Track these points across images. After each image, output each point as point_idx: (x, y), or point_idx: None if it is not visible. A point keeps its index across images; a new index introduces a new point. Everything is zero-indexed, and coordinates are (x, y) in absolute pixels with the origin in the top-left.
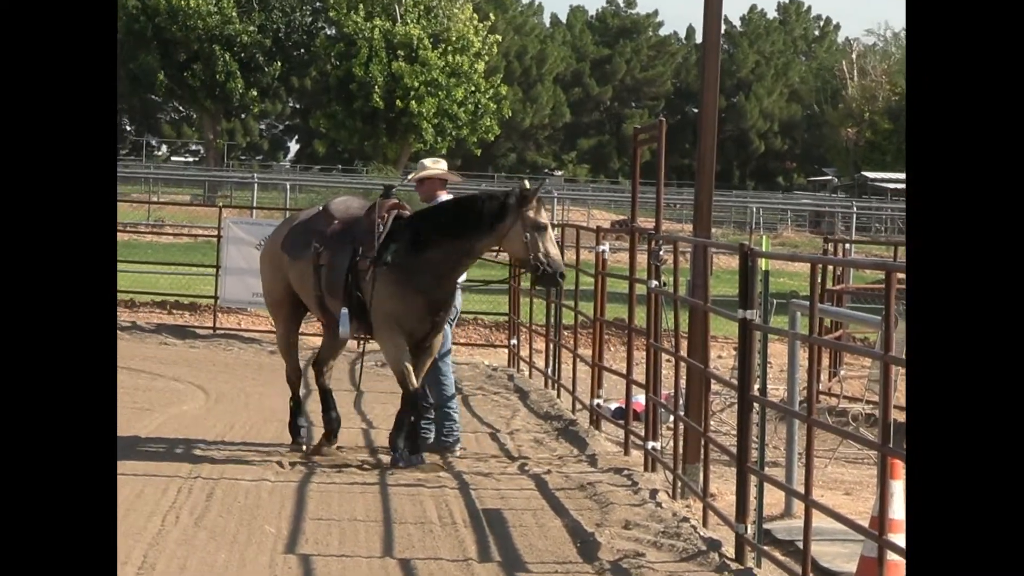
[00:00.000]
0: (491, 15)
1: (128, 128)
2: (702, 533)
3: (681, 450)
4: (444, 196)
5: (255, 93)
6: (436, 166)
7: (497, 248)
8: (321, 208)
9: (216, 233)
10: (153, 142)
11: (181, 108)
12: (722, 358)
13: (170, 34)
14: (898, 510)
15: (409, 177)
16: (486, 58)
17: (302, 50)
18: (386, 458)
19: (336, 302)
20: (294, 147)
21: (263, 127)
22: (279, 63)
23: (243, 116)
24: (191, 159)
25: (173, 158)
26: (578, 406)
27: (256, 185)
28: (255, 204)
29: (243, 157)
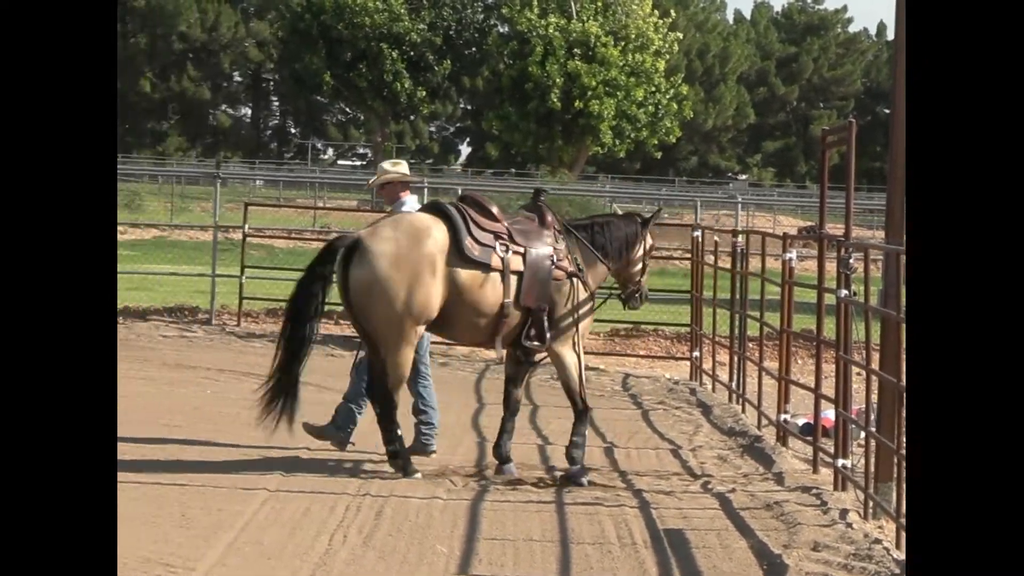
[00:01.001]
0: (671, 12)
1: (293, 131)
2: (895, 556)
3: (873, 468)
4: (408, 197)
5: (424, 94)
6: (397, 168)
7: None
8: (477, 209)
9: None
10: (319, 145)
11: (348, 110)
12: None
13: (336, 32)
14: None
15: (370, 181)
16: (666, 56)
17: (473, 49)
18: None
19: (518, 311)
20: (465, 150)
21: (432, 129)
22: (449, 62)
23: (412, 118)
24: (358, 163)
25: (340, 162)
26: (764, 422)
27: (426, 190)
28: None
29: (412, 160)
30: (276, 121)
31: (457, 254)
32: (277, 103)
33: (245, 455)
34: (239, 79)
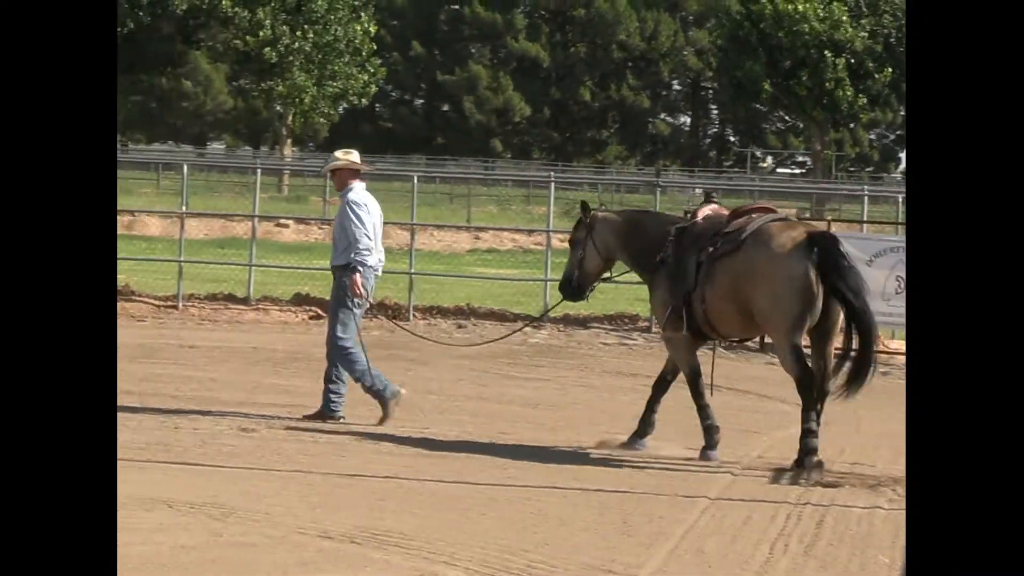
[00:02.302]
0: None
1: (732, 139)
2: None
3: None
4: (356, 184)
5: (864, 101)
6: (347, 157)
7: None
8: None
9: None
10: (758, 153)
11: (787, 117)
12: None
13: (776, 40)
14: None
15: (323, 170)
16: None
17: None
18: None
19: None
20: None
21: (872, 137)
22: (890, 69)
23: (851, 125)
24: (797, 171)
25: (779, 170)
26: None
27: (866, 198)
28: (865, 218)
29: (852, 168)
30: (715, 129)
31: None
32: (716, 111)
33: (685, 463)
34: (678, 87)
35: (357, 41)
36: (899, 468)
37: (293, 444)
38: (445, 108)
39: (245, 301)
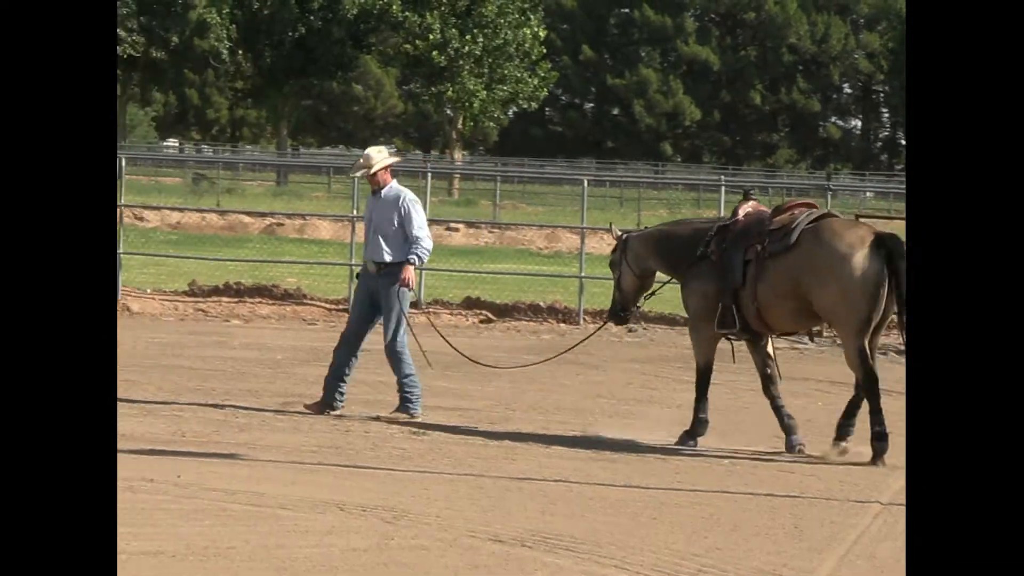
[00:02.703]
0: None
1: (904, 142)
2: None
3: None
4: (392, 181)
5: None
6: (382, 155)
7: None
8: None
9: None
10: None
11: None
12: None
13: None
14: None
15: (360, 174)
16: None
17: None
18: None
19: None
20: None
21: None
22: None
23: None
24: None
25: None
26: None
27: None
28: None
29: None
30: (886, 133)
31: None
32: (887, 114)
33: (855, 470)
34: (849, 91)
35: (527, 45)
36: None
37: (463, 447)
38: (615, 112)
39: (416, 305)
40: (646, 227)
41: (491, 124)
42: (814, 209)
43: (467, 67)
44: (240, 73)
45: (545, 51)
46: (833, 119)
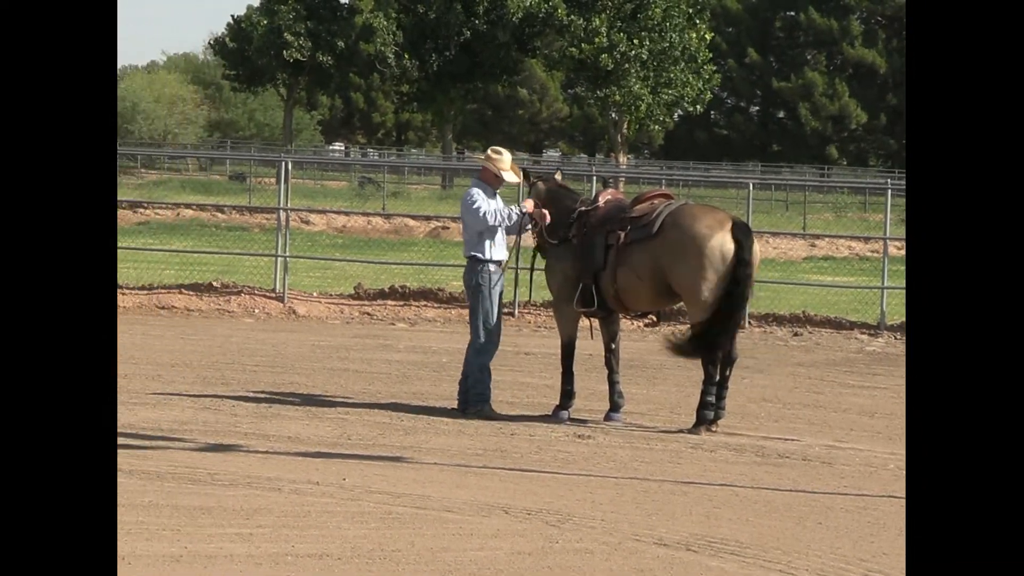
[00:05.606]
0: None
1: None
2: None
3: None
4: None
5: None
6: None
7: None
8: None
9: None
10: None
11: None
12: None
13: None
14: None
15: (508, 178)
16: None
17: None
18: None
19: None
20: None
21: None
22: None
23: None
24: None
25: None
26: None
27: None
28: None
29: None
30: None
31: None
32: None
33: None
34: None
35: (693, 48)
36: None
37: (628, 451)
38: (780, 115)
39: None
40: (551, 179)
41: (656, 127)
42: (672, 200)
43: (633, 70)
44: (406, 77)
45: (711, 54)
46: None
